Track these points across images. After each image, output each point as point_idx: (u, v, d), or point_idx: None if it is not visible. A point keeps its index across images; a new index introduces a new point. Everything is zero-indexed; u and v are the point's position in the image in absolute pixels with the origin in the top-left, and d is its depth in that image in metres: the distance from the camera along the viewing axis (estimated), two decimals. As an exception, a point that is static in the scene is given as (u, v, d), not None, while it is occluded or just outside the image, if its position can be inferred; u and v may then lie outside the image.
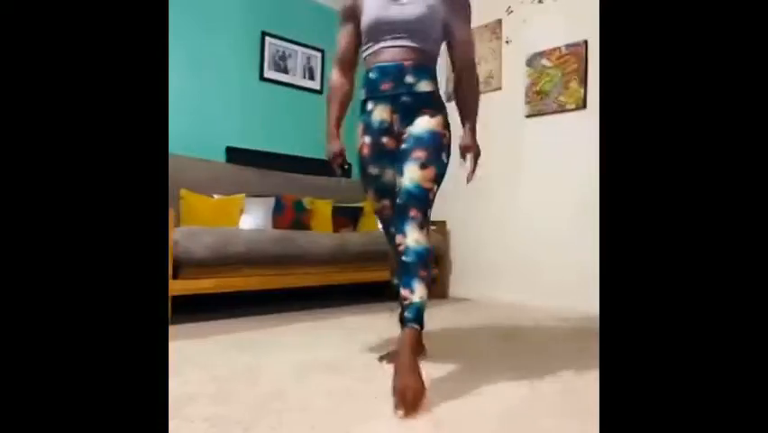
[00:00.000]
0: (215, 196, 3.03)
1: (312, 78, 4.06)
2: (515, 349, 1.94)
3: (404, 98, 1.62)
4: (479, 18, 3.64)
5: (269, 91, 3.82)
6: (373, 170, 1.74)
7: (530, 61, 3.30)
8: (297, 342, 2.01)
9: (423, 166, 1.54)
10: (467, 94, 1.70)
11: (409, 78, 1.61)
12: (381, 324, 2.46)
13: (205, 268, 2.40)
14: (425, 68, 1.64)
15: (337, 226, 3.36)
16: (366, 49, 1.69)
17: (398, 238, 1.50)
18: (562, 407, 1.29)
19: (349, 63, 1.80)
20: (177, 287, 2.29)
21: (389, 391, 1.29)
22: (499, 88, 3.48)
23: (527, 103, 3.30)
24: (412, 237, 1.47)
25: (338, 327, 2.34)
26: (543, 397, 1.36)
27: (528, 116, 3.30)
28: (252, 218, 2.99)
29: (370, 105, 1.69)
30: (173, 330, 2.18)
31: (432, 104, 1.64)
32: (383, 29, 1.62)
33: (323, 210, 3.35)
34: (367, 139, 1.72)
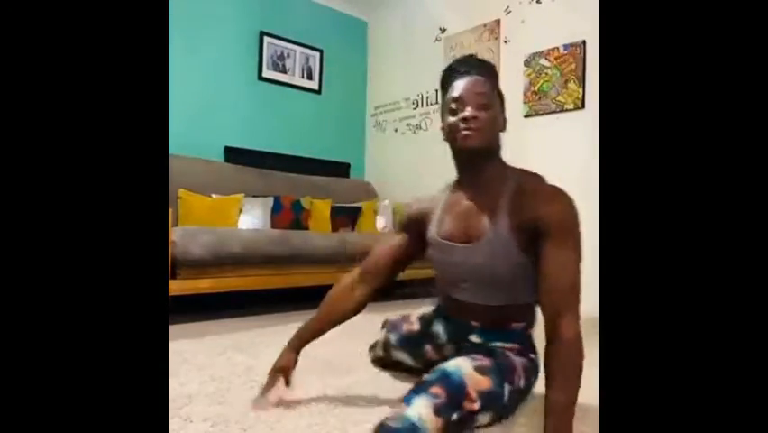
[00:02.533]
0: (214, 196, 3.03)
1: (310, 77, 4.06)
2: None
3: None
4: (478, 18, 3.65)
5: (268, 91, 3.82)
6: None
7: (528, 61, 3.30)
8: (296, 342, 2.00)
9: (479, 370, 1.09)
10: (555, 362, 1.02)
11: (475, 339, 1.25)
12: (380, 324, 2.45)
13: (204, 268, 2.39)
14: (504, 332, 1.23)
15: (336, 226, 3.36)
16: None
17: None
18: (561, 407, 1.29)
19: (372, 276, 1.38)
20: (175, 287, 2.28)
21: (389, 390, 1.29)
22: (498, 88, 3.48)
23: (525, 103, 3.30)
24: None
25: (337, 328, 2.34)
26: (542, 397, 1.36)
27: (526, 116, 3.30)
28: (251, 218, 2.98)
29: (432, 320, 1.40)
30: (171, 330, 2.18)
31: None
32: (447, 273, 1.28)
33: (321, 210, 3.34)
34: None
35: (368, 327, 2.36)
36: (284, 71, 3.90)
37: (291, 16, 3.95)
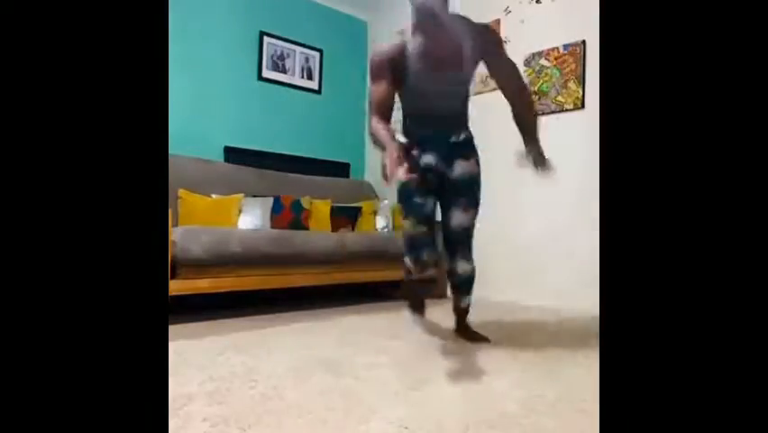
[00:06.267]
0: (214, 195, 3.03)
1: (310, 77, 4.06)
2: (514, 349, 1.94)
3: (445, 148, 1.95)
4: (478, 18, 3.64)
5: (268, 91, 3.82)
6: (418, 200, 1.95)
7: (528, 61, 3.30)
8: (296, 342, 2.01)
9: (465, 210, 1.98)
10: (522, 116, 1.96)
11: (455, 139, 1.97)
12: (380, 323, 2.46)
13: (203, 268, 2.39)
14: (464, 126, 2.00)
15: (336, 226, 3.36)
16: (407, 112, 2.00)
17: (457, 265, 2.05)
18: (561, 407, 1.29)
19: (388, 116, 1.85)
20: (174, 287, 2.28)
21: (388, 390, 1.29)
22: (498, 88, 3.48)
23: (526, 103, 3.30)
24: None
25: (337, 327, 2.34)
26: (542, 397, 1.36)
27: (527, 116, 3.30)
28: (251, 218, 2.98)
29: (414, 151, 1.94)
30: (170, 330, 2.18)
31: (468, 147, 1.98)
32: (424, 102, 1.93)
33: (321, 210, 3.34)
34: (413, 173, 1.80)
35: (367, 327, 2.36)
36: (284, 71, 3.89)
37: (291, 16, 3.95)
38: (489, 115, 3.51)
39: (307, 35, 4.02)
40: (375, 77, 1.84)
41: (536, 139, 1.92)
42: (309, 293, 3.31)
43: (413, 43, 1.80)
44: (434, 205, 2.00)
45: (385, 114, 1.82)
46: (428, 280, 2.38)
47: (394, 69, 1.82)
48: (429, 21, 1.74)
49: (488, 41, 1.88)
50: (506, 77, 1.93)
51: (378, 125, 1.78)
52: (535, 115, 1.95)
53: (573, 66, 3.06)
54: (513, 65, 1.93)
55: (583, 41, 3.03)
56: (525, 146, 1.93)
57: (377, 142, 1.76)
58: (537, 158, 1.90)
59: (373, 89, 1.84)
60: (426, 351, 1.89)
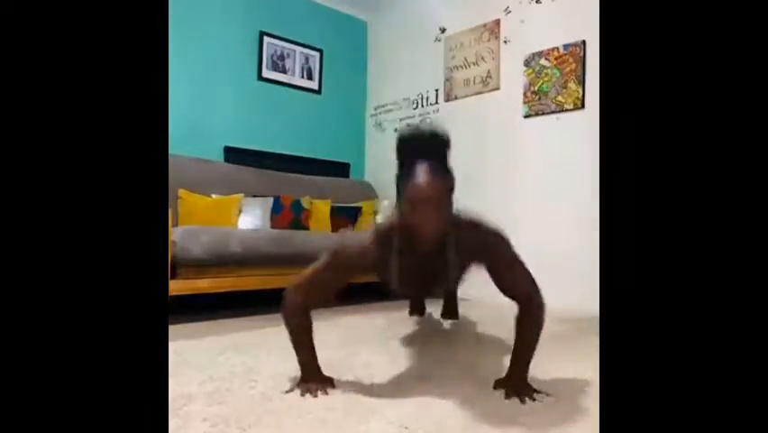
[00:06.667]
0: (213, 195, 3.03)
1: (310, 77, 4.06)
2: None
3: None
4: (478, 18, 3.65)
5: (268, 91, 3.82)
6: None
7: (528, 61, 3.30)
8: (296, 342, 2.00)
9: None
10: (525, 330, 1.44)
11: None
12: (380, 323, 2.46)
13: (203, 268, 2.39)
14: None
15: (336, 226, 3.36)
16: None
17: None
18: (561, 407, 1.29)
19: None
20: (174, 287, 2.28)
21: (388, 390, 1.29)
22: (497, 89, 3.48)
23: (525, 103, 3.30)
24: None
25: (337, 327, 2.34)
26: (542, 398, 1.36)
27: (526, 117, 3.30)
28: (251, 218, 2.98)
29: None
30: (171, 330, 2.17)
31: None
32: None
33: (321, 210, 3.34)
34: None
35: (367, 326, 2.36)
36: (284, 71, 3.89)
37: (291, 16, 3.95)
38: (488, 114, 3.51)
39: (307, 35, 4.02)
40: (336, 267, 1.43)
41: (523, 366, 1.42)
42: (309, 293, 3.30)
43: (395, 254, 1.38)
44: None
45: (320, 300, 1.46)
46: None
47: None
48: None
49: (488, 258, 1.44)
50: (512, 290, 1.45)
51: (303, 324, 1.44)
52: (535, 338, 1.44)
53: (573, 66, 3.06)
54: (521, 278, 1.44)
55: (583, 41, 3.03)
56: (509, 373, 1.44)
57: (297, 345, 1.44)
58: (520, 389, 1.37)
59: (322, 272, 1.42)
60: (426, 351, 1.89)
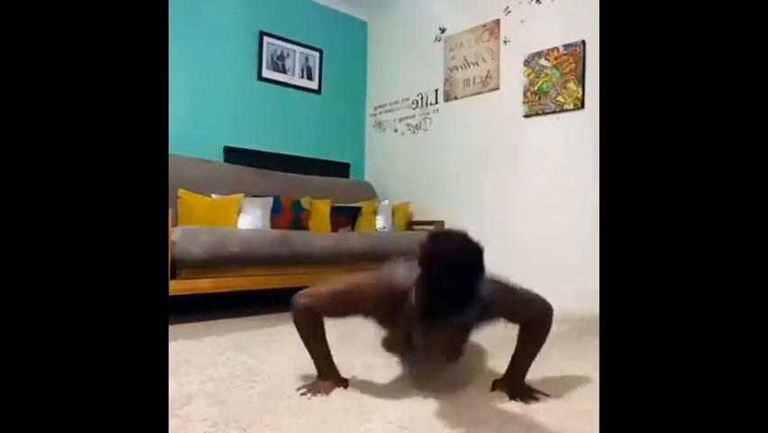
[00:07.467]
0: (213, 196, 3.03)
1: (310, 77, 4.06)
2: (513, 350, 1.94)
3: None
4: (478, 18, 3.65)
5: (267, 91, 3.82)
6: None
7: (528, 61, 3.30)
8: (295, 342, 1.99)
9: None
10: (530, 339, 1.44)
11: None
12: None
13: (203, 268, 2.39)
14: None
15: (335, 226, 3.36)
16: None
17: None
18: (561, 407, 1.29)
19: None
20: (174, 287, 2.28)
21: (388, 390, 1.29)
22: (497, 88, 3.48)
23: (525, 103, 3.30)
24: None
25: (336, 327, 2.33)
26: (542, 398, 1.36)
27: (526, 116, 3.30)
28: (250, 218, 2.98)
29: None
30: (171, 330, 2.17)
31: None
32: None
33: (321, 210, 3.34)
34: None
35: (367, 326, 2.36)
36: (284, 71, 3.89)
37: (291, 16, 3.95)
38: (487, 114, 3.51)
39: (307, 35, 4.02)
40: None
41: (522, 370, 1.44)
42: (309, 293, 3.30)
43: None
44: None
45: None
46: None
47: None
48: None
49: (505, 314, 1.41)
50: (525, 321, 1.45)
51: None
52: (538, 348, 1.45)
53: (573, 66, 3.06)
54: (530, 309, 1.45)
55: (583, 41, 3.03)
56: (507, 374, 1.45)
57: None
58: (521, 390, 1.39)
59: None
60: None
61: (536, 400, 1.34)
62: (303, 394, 1.35)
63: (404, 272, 1.30)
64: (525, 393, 1.37)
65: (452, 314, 1.14)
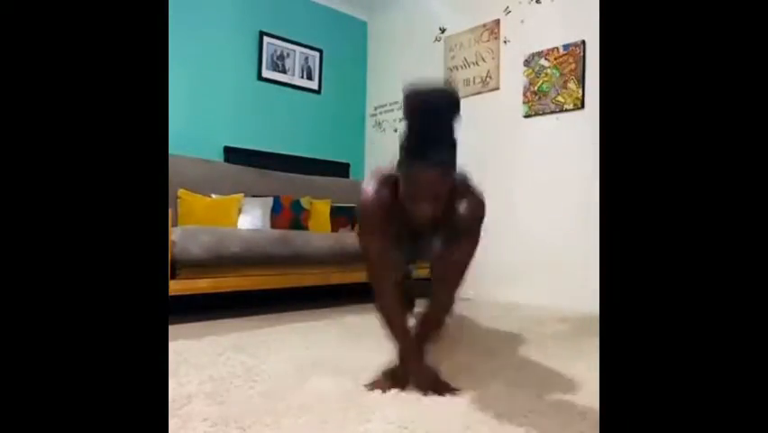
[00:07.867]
0: (213, 196, 3.03)
1: (310, 77, 4.06)
2: (514, 349, 1.94)
3: None
4: (478, 18, 3.65)
5: (267, 91, 3.82)
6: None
7: (528, 61, 3.30)
8: (296, 342, 2.00)
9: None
10: (453, 267, 1.48)
11: None
12: (379, 323, 2.45)
13: (203, 268, 2.39)
14: None
15: (335, 226, 3.36)
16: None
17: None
18: (561, 407, 1.29)
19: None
20: (174, 287, 2.28)
21: (389, 391, 1.29)
22: (497, 89, 3.48)
23: (525, 103, 3.30)
24: None
25: (336, 327, 2.34)
26: (542, 398, 1.36)
27: (526, 116, 3.30)
28: (250, 218, 2.98)
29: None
30: (171, 330, 2.17)
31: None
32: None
33: (321, 210, 3.34)
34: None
35: (367, 327, 2.36)
36: (284, 71, 3.90)
37: (291, 16, 3.95)
38: (487, 114, 3.51)
39: (307, 35, 4.02)
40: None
41: (441, 311, 1.52)
42: (309, 293, 3.31)
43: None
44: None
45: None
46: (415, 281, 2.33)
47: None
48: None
49: (460, 224, 1.46)
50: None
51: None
52: (456, 282, 1.49)
53: (573, 66, 3.06)
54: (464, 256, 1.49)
55: (583, 41, 3.03)
56: (412, 357, 1.47)
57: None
58: (434, 382, 1.41)
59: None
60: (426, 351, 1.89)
61: (453, 392, 1.35)
62: (369, 385, 1.39)
63: (387, 167, 1.48)
64: (441, 386, 1.37)
65: (431, 151, 1.26)
